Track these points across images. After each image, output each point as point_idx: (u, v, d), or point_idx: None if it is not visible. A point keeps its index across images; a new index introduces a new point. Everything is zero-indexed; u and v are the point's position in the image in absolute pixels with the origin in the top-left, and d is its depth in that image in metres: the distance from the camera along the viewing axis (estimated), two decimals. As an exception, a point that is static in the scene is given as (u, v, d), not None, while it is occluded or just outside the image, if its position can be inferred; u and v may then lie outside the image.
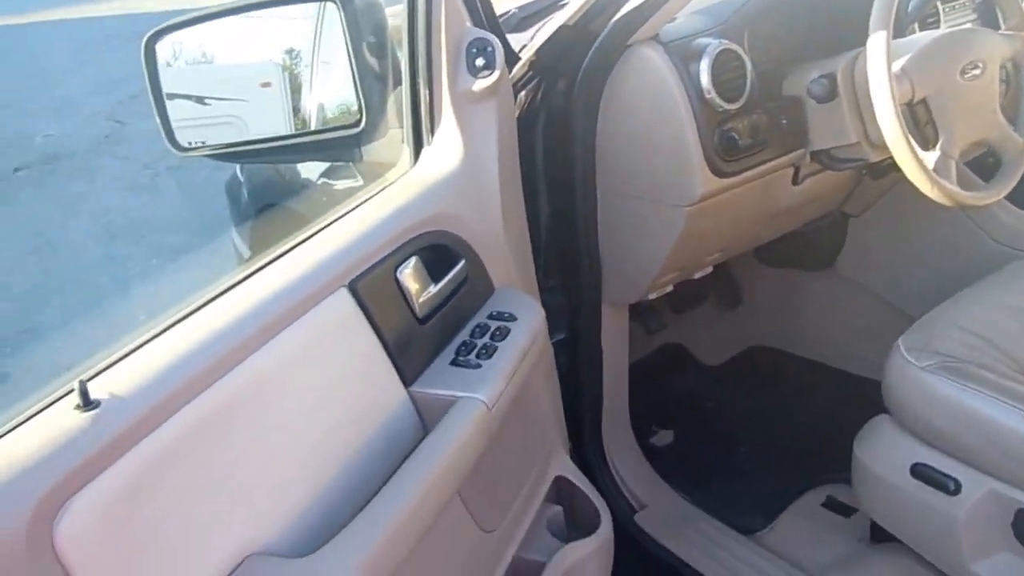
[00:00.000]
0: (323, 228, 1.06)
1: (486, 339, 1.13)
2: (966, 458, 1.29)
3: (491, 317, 1.18)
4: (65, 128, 5.36)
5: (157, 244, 3.85)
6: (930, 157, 1.35)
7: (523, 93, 1.47)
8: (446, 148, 1.22)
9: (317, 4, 1.27)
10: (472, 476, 1.14)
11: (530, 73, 1.45)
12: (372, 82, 1.26)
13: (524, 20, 1.68)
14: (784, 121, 1.49)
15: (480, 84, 1.21)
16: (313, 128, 1.32)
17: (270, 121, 1.33)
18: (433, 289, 1.10)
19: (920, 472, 1.33)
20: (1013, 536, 1.24)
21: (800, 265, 2.20)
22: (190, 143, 1.31)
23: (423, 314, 1.09)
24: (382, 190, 1.16)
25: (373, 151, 1.33)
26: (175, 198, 4.38)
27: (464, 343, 1.13)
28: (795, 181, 1.60)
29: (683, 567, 1.56)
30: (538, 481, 1.43)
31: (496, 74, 1.20)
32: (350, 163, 1.60)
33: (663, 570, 1.59)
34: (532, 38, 1.44)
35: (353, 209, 1.10)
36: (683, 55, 1.40)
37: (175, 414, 0.80)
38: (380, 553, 0.86)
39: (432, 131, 1.23)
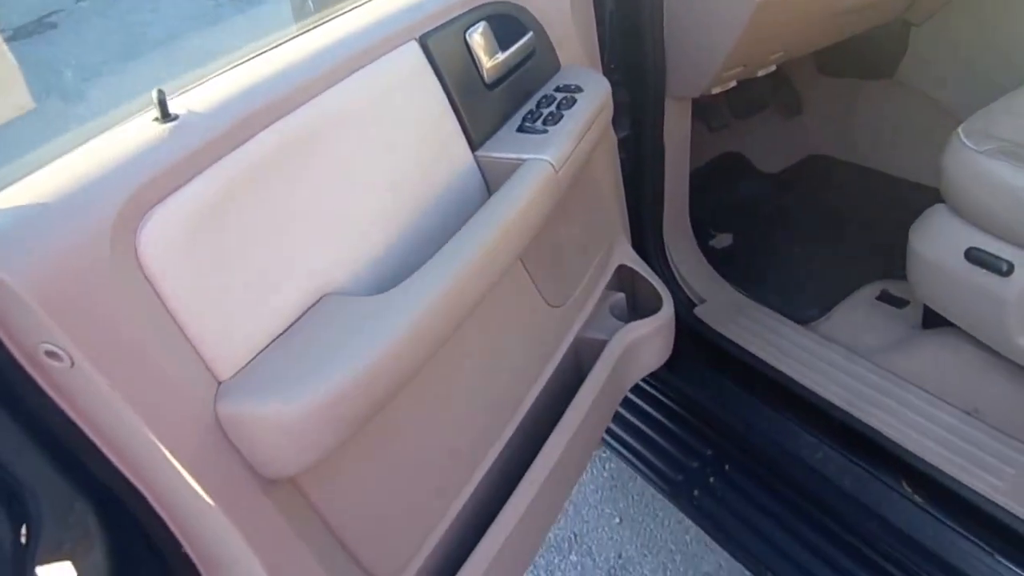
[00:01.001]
0: None
1: (552, 108, 1.16)
2: (1021, 241, 1.31)
3: (557, 89, 1.21)
4: (127, -42, 5.32)
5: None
6: None
7: None
8: None
9: None
10: (538, 249, 1.19)
11: None
12: None
13: None
14: None
15: None
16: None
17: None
18: (501, 56, 1.13)
19: (974, 256, 1.36)
20: None
21: (860, 74, 2.17)
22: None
23: (491, 79, 1.12)
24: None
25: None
26: (240, 27, 4.37)
27: (531, 112, 1.16)
28: None
29: (741, 352, 1.63)
30: (602, 266, 1.49)
31: None
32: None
33: (722, 356, 1.66)
34: None
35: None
36: None
37: (253, 136, 0.83)
38: (445, 298, 0.91)
39: None
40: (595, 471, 2.04)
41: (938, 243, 1.43)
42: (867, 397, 1.47)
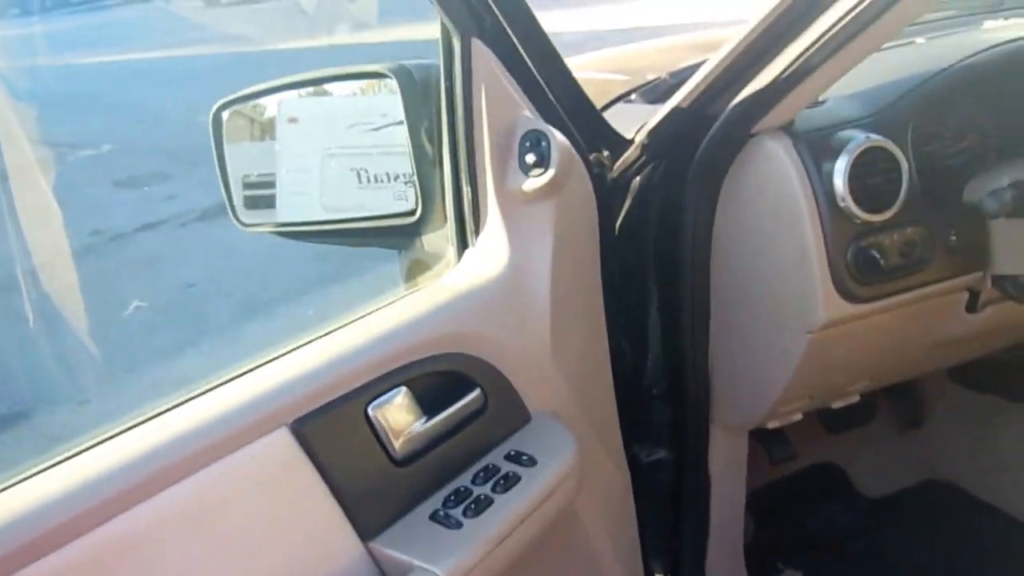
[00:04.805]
0: (267, 363, 0.93)
1: (486, 488, 0.96)
2: None
3: (508, 457, 1.01)
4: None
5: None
6: None
7: (637, 179, 1.29)
8: (489, 254, 1.08)
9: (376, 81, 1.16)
10: None
11: (643, 158, 1.27)
12: (430, 168, 1.14)
13: (674, 88, 1.49)
14: (953, 237, 1.24)
15: (531, 184, 1.05)
16: (371, 215, 1.21)
17: (332, 197, 1.24)
18: (419, 428, 0.94)
19: None
20: None
21: (1004, 392, 1.83)
22: (253, 221, 1.28)
23: (404, 454, 0.93)
24: (388, 304, 1.02)
25: (435, 242, 1.21)
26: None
27: (458, 490, 0.96)
28: (971, 308, 1.33)
29: None
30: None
31: (550, 173, 1.04)
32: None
33: None
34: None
35: (332, 331, 0.97)
36: (817, 150, 1.18)
37: (78, 538, 0.72)
38: None
39: (477, 231, 1.09)
40: None
41: None
42: None
